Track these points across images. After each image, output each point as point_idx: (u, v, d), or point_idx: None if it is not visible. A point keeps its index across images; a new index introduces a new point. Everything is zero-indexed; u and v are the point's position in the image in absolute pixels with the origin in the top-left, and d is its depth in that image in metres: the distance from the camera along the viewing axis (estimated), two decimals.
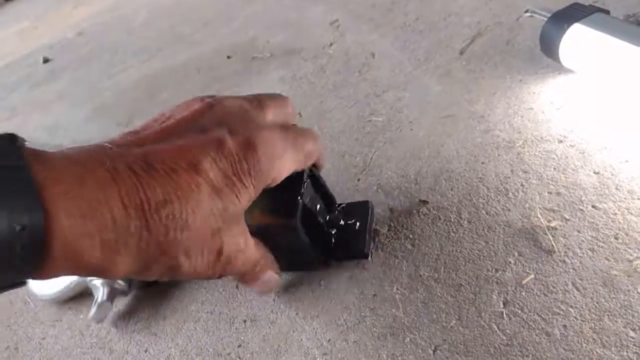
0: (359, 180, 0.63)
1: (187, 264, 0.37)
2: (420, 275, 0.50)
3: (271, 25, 1.11)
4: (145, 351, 0.54)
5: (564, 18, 0.64)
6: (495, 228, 0.51)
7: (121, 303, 0.60)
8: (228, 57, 1.04)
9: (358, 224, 0.54)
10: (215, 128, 0.40)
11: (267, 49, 1.02)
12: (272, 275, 0.47)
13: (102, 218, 0.32)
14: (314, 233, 0.49)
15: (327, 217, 0.54)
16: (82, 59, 1.40)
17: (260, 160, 0.40)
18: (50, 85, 1.30)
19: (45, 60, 1.47)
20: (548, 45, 0.66)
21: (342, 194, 0.62)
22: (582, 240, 0.47)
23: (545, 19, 0.68)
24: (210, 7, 1.36)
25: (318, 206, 0.52)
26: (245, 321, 0.52)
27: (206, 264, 0.39)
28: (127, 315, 0.59)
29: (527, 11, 0.80)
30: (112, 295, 0.57)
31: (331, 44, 0.94)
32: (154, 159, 0.36)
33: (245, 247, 0.42)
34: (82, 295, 0.63)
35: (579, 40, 0.62)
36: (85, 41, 1.52)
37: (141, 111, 0.98)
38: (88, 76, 1.27)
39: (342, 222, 0.55)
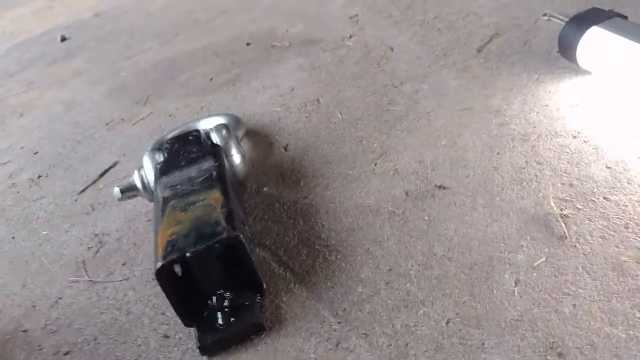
0: (375, 164, 0.65)
1: None
2: (435, 254, 0.52)
3: (290, 16, 1.13)
4: (162, 314, 0.56)
5: (583, 21, 0.66)
6: (509, 214, 0.53)
7: (138, 269, 0.62)
8: (247, 44, 1.06)
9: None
10: None
11: (287, 38, 1.04)
12: None
13: None
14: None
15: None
16: (99, 39, 1.41)
17: None
18: (67, 63, 1.32)
19: (63, 39, 1.48)
20: (566, 47, 0.68)
21: (359, 177, 0.64)
22: (593, 228, 0.49)
23: (563, 23, 0.70)
24: None
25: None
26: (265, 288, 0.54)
27: None
28: (145, 280, 0.60)
29: (545, 14, 0.82)
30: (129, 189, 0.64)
31: (350, 36, 0.96)
32: None
33: None
34: (101, 257, 0.65)
35: (597, 43, 0.64)
36: (102, 22, 1.54)
37: (160, 91, 1.00)
38: (106, 56, 1.28)
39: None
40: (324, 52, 0.94)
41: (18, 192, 0.85)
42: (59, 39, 1.49)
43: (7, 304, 0.63)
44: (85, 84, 1.16)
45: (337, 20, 1.04)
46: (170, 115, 0.91)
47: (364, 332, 0.47)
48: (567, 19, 0.70)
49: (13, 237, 0.74)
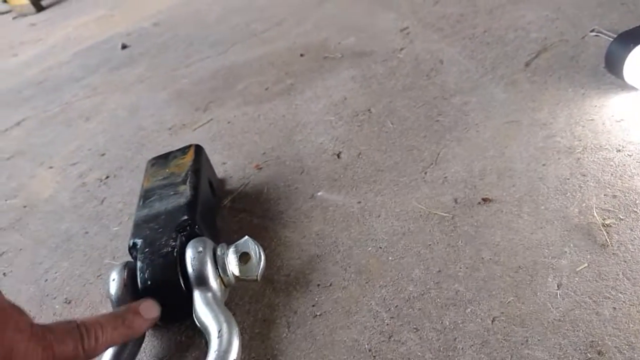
0: (425, 173, 0.69)
1: None
2: (482, 258, 0.55)
3: (343, 28, 1.18)
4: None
5: (630, 38, 0.69)
6: (554, 222, 0.56)
7: None
8: (301, 55, 1.11)
9: None
10: None
11: (339, 50, 1.08)
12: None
13: None
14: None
15: None
16: (159, 47, 1.49)
17: None
18: (129, 69, 1.40)
19: (124, 47, 1.57)
20: (613, 63, 0.70)
21: (410, 184, 0.68)
22: (635, 238, 0.52)
23: (611, 39, 0.73)
24: (283, 8, 1.44)
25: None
26: (319, 285, 0.58)
27: None
28: None
29: (592, 30, 0.85)
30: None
31: (401, 49, 1.00)
32: None
33: None
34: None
35: None
36: (161, 31, 1.62)
37: (219, 99, 1.06)
38: (165, 63, 1.36)
39: None
40: (375, 63, 0.98)
41: (88, 190, 0.92)
42: (119, 46, 1.58)
43: (83, 293, 0.69)
44: (147, 90, 1.24)
45: (389, 32, 1.08)
46: (228, 122, 0.96)
47: (414, 327, 0.51)
48: (614, 36, 0.72)
49: (86, 232, 0.81)
